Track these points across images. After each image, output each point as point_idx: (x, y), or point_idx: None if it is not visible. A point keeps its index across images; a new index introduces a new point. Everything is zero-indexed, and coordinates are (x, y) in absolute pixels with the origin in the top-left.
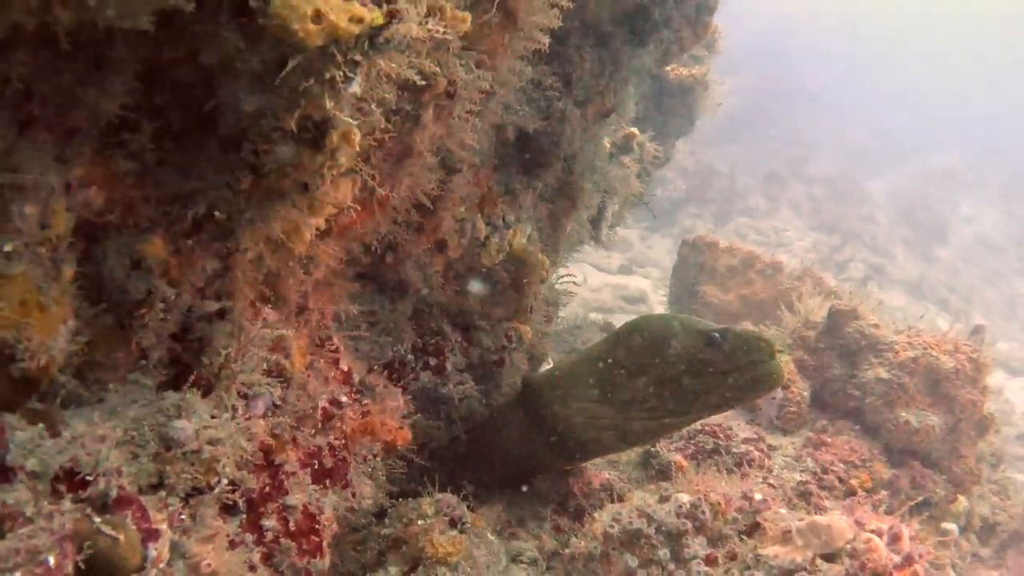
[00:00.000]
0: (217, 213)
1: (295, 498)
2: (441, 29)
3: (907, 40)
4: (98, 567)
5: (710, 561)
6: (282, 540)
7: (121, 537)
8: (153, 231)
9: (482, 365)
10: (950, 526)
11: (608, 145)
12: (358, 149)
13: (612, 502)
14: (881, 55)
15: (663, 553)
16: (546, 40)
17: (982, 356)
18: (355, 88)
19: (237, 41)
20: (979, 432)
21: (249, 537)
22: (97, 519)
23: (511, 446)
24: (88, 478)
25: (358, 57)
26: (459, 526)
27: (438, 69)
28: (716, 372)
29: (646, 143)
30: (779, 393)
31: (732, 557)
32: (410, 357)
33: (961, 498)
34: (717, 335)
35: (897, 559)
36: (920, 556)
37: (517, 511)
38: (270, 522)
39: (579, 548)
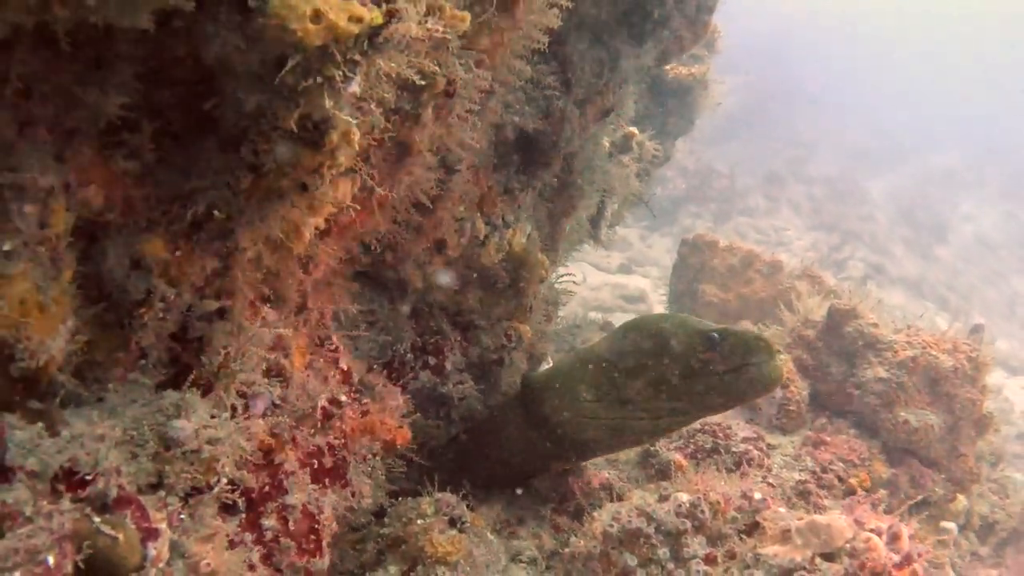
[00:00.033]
0: (216, 212)
1: (295, 497)
2: (440, 28)
3: (907, 40)
4: (97, 567)
5: (709, 560)
6: (281, 539)
7: (120, 537)
8: (153, 230)
9: (481, 364)
10: (949, 525)
11: (607, 144)
12: (357, 148)
13: (612, 501)
14: (881, 55)
15: (662, 552)
16: (545, 39)
17: (981, 355)
18: (354, 88)
19: (236, 40)
20: (978, 431)
21: (248, 536)
22: (96, 519)
23: (510, 445)
24: (87, 478)
25: (357, 56)
26: (458, 525)
27: (437, 68)
28: (715, 372)
29: (645, 142)
30: (778, 392)
31: (731, 556)
32: (409, 356)
33: (960, 497)
34: (716, 335)
35: (896, 558)
36: (919, 555)
37: (516, 510)
38: (269, 521)
39: (579, 547)
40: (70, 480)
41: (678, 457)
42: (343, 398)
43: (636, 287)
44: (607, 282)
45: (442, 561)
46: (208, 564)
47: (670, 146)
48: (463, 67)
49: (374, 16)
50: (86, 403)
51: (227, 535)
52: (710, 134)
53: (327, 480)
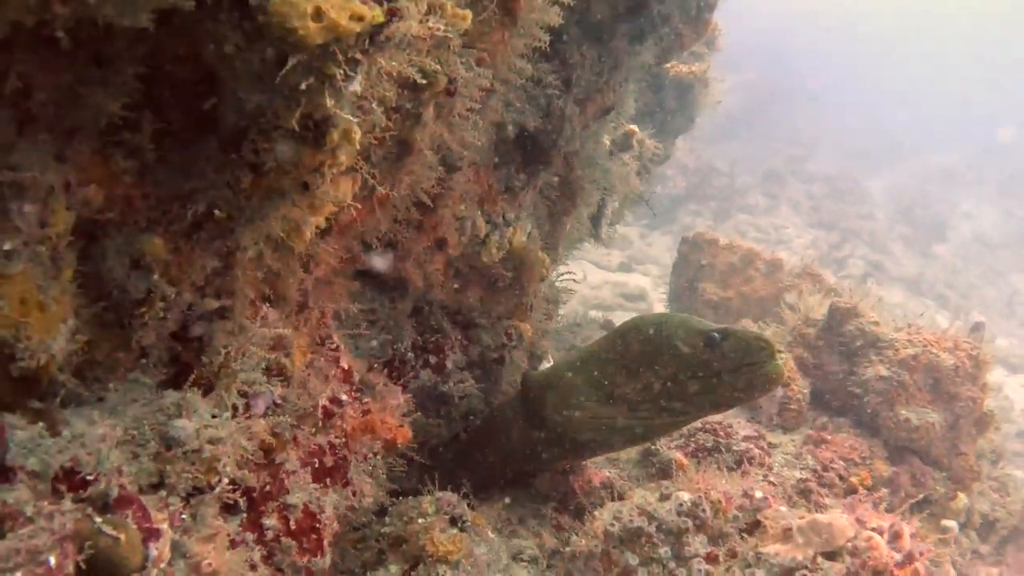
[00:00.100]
0: (217, 212)
1: (296, 497)
2: (442, 27)
3: (907, 39)
4: (99, 567)
5: (711, 559)
6: (283, 539)
7: (122, 537)
8: (153, 230)
9: (482, 363)
10: (950, 523)
11: (608, 143)
12: (358, 147)
13: (612, 500)
14: (881, 54)
15: (664, 551)
16: (547, 38)
17: (982, 353)
18: (356, 86)
19: (237, 39)
20: (979, 429)
21: (250, 536)
22: (98, 519)
23: (511, 444)
24: (89, 478)
25: (359, 55)
26: (459, 524)
27: (439, 67)
28: (716, 372)
29: (646, 140)
30: (779, 391)
31: (733, 555)
32: (410, 355)
33: (961, 495)
34: (717, 335)
35: (898, 557)
36: (921, 554)
37: (517, 509)
38: (271, 521)
39: (580, 546)
40: (71, 480)
41: (679, 456)
42: (344, 397)
43: (636, 285)
44: (607, 280)
45: (443, 560)
46: (210, 564)
47: (670, 144)
48: (464, 66)
49: (375, 14)
50: (87, 403)
51: (228, 535)
52: (710, 132)
53: (328, 479)
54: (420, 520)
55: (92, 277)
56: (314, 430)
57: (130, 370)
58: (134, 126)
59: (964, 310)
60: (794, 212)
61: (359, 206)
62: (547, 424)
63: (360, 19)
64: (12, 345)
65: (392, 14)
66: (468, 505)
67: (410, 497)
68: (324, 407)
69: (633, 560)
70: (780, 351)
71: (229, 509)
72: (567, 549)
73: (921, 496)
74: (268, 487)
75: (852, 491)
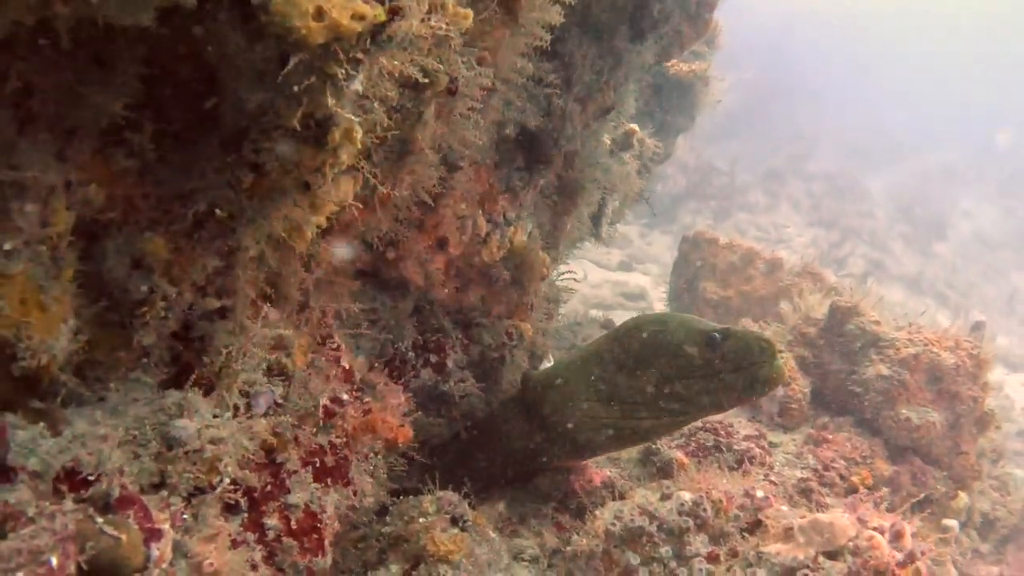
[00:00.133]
0: (218, 211)
1: (297, 497)
2: (443, 26)
3: (908, 38)
4: (100, 567)
5: (712, 559)
6: (284, 539)
7: (123, 537)
8: (154, 229)
9: (483, 362)
10: (951, 522)
11: (608, 142)
12: (360, 147)
13: (613, 499)
14: (882, 53)
15: (665, 551)
16: (548, 37)
17: (983, 352)
18: (357, 86)
19: (238, 38)
20: (980, 428)
21: (251, 536)
22: (99, 519)
23: (511, 443)
24: (90, 478)
25: (360, 54)
26: (460, 524)
27: (440, 66)
28: (716, 372)
29: (646, 139)
30: (780, 390)
31: (734, 555)
32: (411, 354)
33: (962, 494)
34: (717, 335)
35: (899, 556)
36: (922, 553)
37: (518, 508)
38: (272, 521)
39: (581, 546)
40: (72, 480)
41: (680, 455)
42: (345, 397)
43: (636, 284)
44: (607, 279)
45: (444, 560)
46: (211, 564)
47: (671, 143)
48: (465, 65)
49: (377, 13)
50: (88, 402)
51: (230, 535)
52: (710, 130)
53: (329, 479)
54: (421, 520)
55: (93, 277)
56: (315, 430)
57: (131, 370)
58: (135, 126)
59: (964, 309)
60: (794, 211)
61: (360, 206)
62: (547, 424)
63: (362, 18)
64: (13, 345)
65: (394, 13)
66: (469, 504)
67: (411, 496)
68: (325, 407)
69: (634, 559)
70: (781, 351)
71: (230, 509)
72: (568, 548)
73: (922, 495)
74: (269, 487)
75: (853, 490)
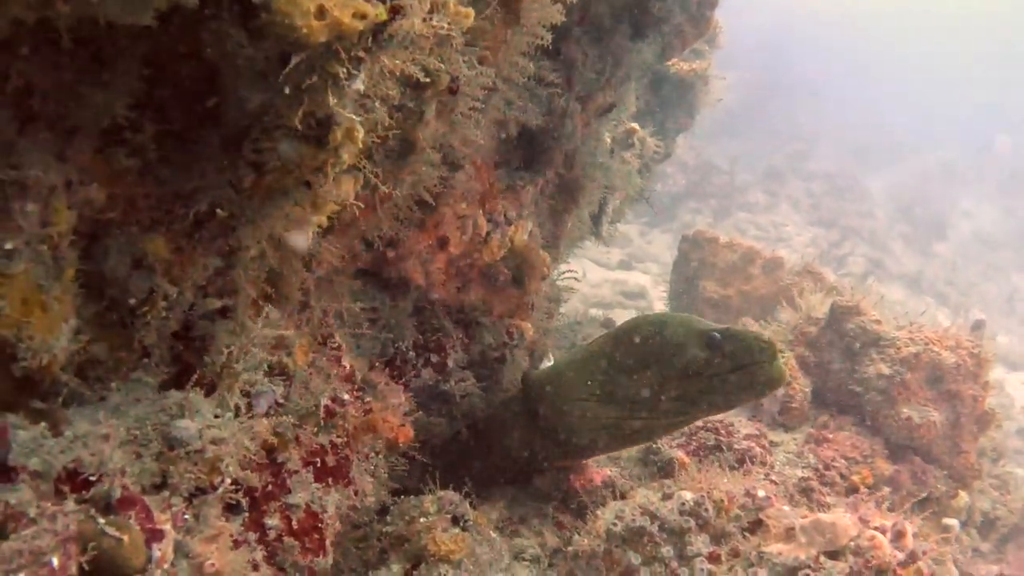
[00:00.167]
0: (219, 211)
1: (298, 496)
2: (445, 25)
3: (908, 37)
4: (102, 568)
5: (713, 559)
6: (285, 539)
7: (125, 538)
8: (155, 229)
9: (484, 362)
10: (951, 521)
11: (609, 141)
12: (361, 146)
13: (614, 499)
14: (882, 52)
15: (666, 551)
16: (549, 36)
17: (984, 351)
18: (358, 85)
19: (240, 37)
20: (980, 427)
21: (252, 536)
22: (101, 520)
23: (512, 443)
24: (91, 478)
25: (362, 53)
26: (461, 523)
27: (441, 65)
28: (717, 373)
29: (647, 138)
30: (780, 389)
31: (735, 554)
32: (411, 354)
33: (962, 493)
34: (717, 335)
35: (901, 556)
36: (924, 553)
37: (519, 508)
38: (273, 521)
39: (582, 546)
40: (74, 480)
41: (680, 454)
42: (346, 396)
43: (636, 283)
44: (607, 278)
45: (445, 560)
46: (212, 564)
47: (671, 142)
48: (467, 64)
49: (378, 12)
50: (89, 402)
51: (231, 535)
52: (710, 129)
53: (330, 479)
54: (422, 519)
55: (94, 276)
56: (316, 429)
57: (132, 370)
58: (136, 125)
59: (964, 307)
60: (794, 210)
61: (361, 205)
62: (547, 423)
63: (363, 17)
64: (14, 345)
65: (395, 12)
66: (470, 504)
67: (412, 496)
68: (326, 406)
69: (636, 559)
70: (781, 351)
71: (231, 509)
72: (569, 548)
73: (923, 495)
74: (270, 487)
75: (854, 490)
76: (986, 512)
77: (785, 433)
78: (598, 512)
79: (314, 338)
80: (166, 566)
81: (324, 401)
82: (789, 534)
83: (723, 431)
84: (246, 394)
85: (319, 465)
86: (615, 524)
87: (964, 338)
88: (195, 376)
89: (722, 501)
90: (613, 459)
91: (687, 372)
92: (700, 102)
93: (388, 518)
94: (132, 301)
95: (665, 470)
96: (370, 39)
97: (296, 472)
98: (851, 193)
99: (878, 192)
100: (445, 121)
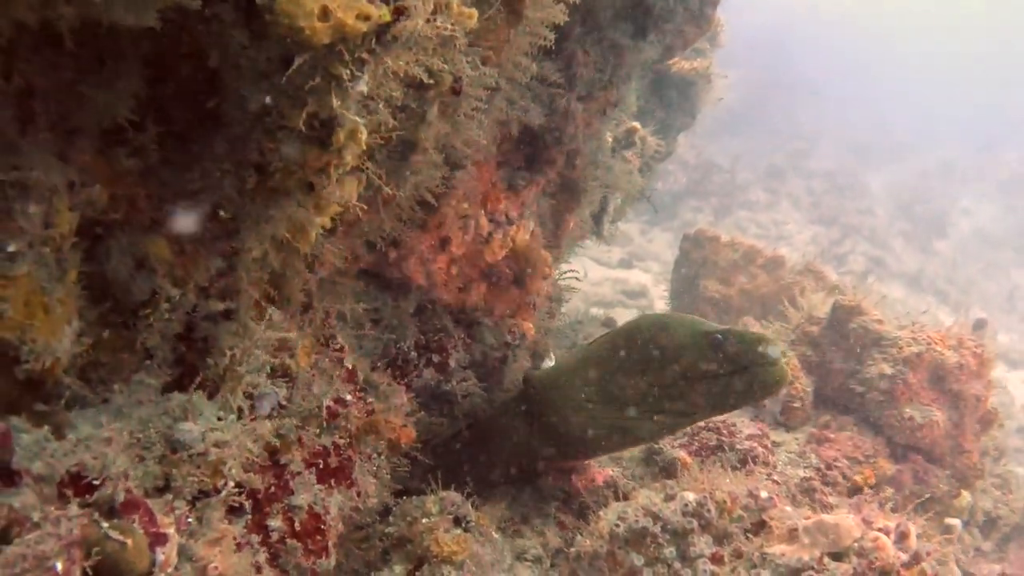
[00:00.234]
0: (222, 212)
1: (300, 498)
2: (448, 26)
3: (908, 37)
4: (106, 572)
5: (716, 560)
6: (288, 540)
7: (129, 542)
8: (157, 230)
9: (485, 362)
10: (954, 521)
11: (610, 140)
12: (364, 147)
13: (616, 499)
14: (882, 51)
15: (669, 552)
16: (552, 36)
17: (986, 351)
18: (362, 86)
19: (242, 38)
20: (983, 427)
21: (255, 538)
22: (104, 524)
23: (513, 443)
24: (95, 482)
25: (365, 55)
26: (464, 524)
27: (444, 66)
28: (719, 374)
29: (648, 137)
30: (783, 389)
31: (738, 555)
32: (413, 354)
33: (965, 493)
34: (720, 336)
35: (905, 557)
36: (928, 554)
37: (521, 508)
38: (276, 522)
39: (585, 547)
40: (77, 484)
41: (682, 455)
42: (348, 397)
43: (637, 282)
44: (608, 277)
45: (448, 560)
46: (216, 568)
47: (672, 141)
48: (470, 64)
49: (382, 14)
50: (91, 405)
51: (234, 537)
52: (711, 127)
53: (333, 480)
54: (424, 520)
55: (96, 278)
56: (319, 431)
57: (135, 372)
58: (138, 126)
59: (965, 306)
60: (794, 208)
61: (364, 207)
62: (549, 424)
63: (367, 18)
64: (17, 347)
65: (399, 13)
66: (472, 505)
67: (414, 497)
68: (329, 407)
69: (638, 560)
70: (784, 352)
71: (234, 511)
72: (572, 549)
73: (927, 496)
74: (273, 488)
75: (856, 489)
76: (988, 511)
77: (787, 433)
78: (600, 513)
79: (317, 339)
80: (170, 570)
81: (327, 402)
82: (792, 535)
83: (725, 431)
84: (249, 396)
85: (322, 466)
86: (618, 525)
87: (966, 337)
88: (198, 378)
89: (725, 502)
90: (615, 459)
91: (689, 373)
92: (701, 101)
93: (390, 519)
94: (134, 303)
95: (667, 470)
96: (374, 40)
97: (299, 474)
98: (851, 191)
99: (878, 190)
100: (448, 122)
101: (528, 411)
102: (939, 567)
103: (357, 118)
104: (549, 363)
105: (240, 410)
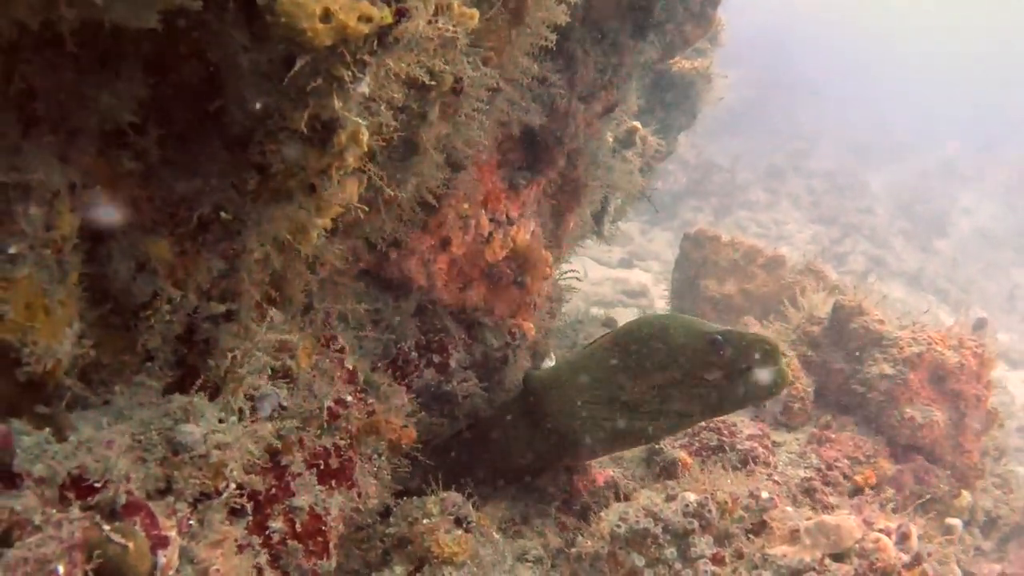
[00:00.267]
0: (223, 214)
1: (301, 499)
2: (450, 27)
3: (908, 37)
4: (107, 575)
5: (717, 560)
6: (289, 542)
7: (130, 545)
8: (158, 232)
9: (486, 362)
10: (955, 521)
11: (611, 140)
12: (366, 149)
13: (617, 500)
14: (883, 50)
15: (670, 552)
16: (553, 37)
17: (986, 351)
18: (364, 88)
19: (244, 40)
20: (984, 427)
21: (256, 540)
22: (106, 527)
23: (514, 444)
24: (96, 484)
25: (367, 56)
26: (464, 525)
27: (445, 67)
28: (719, 375)
29: (648, 137)
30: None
31: (739, 556)
32: (414, 355)
33: (965, 493)
34: (720, 338)
35: (906, 558)
36: (929, 555)
37: (521, 509)
38: (277, 524)
39: (586, 547)
40: (79, 486)
41: (683, 455)
42: (349, 398)
43: (637, 282)
44: (608, 276)
45: (448, 561)
46: (218, 570)
47: (672, 140)
48: (471, 65)
49: (383, 15)
50: (92, 407)
51: (235, 539)
52: (712, 127)
53: (333, 481)
54: (425, 521)
55: (97, 280)
56: (319, 432)
57: (136, 373)
58: (139, 128)
59: (965, 305)
60: (794, 207)
61: (366, 208)
62: (549, 424)
63: (368, 20)
64: (18, 349)
65: (400, 15)
66: (472, 505)
67: (415, 498)
68: (329, 409)
69: (639, 561)
70: (784, 354)
71: (235, 513)
72: (573, 550)
73: (928, 496)
74: (274, 490)
75: (856, 490)
76: (988, 511)
77: (788, 433)
78: (601, 514)
79: (317, 340)
80: (171, 572)
81: (327, 403)
82: (793, 536)
83: (726, 431)
84: (250, 398)
85: (322, 467)
86: (619, 526)
87: (967, 337)
88: (199, 380)
89: (726, 502)
90: (616, 459)
91: (690, 375)
92: (702, 100)
93: (391, 520)
94: (136, 304)
95: (668, 471)
96: (375, 42)
97: (299, 475)
98: (851, 190)
99: (878, 189)
100: (449, 122)
101: (529, 411)
102: (940, 568)
103: (359, 119)
104: (550, 363)
105: (241, 412)
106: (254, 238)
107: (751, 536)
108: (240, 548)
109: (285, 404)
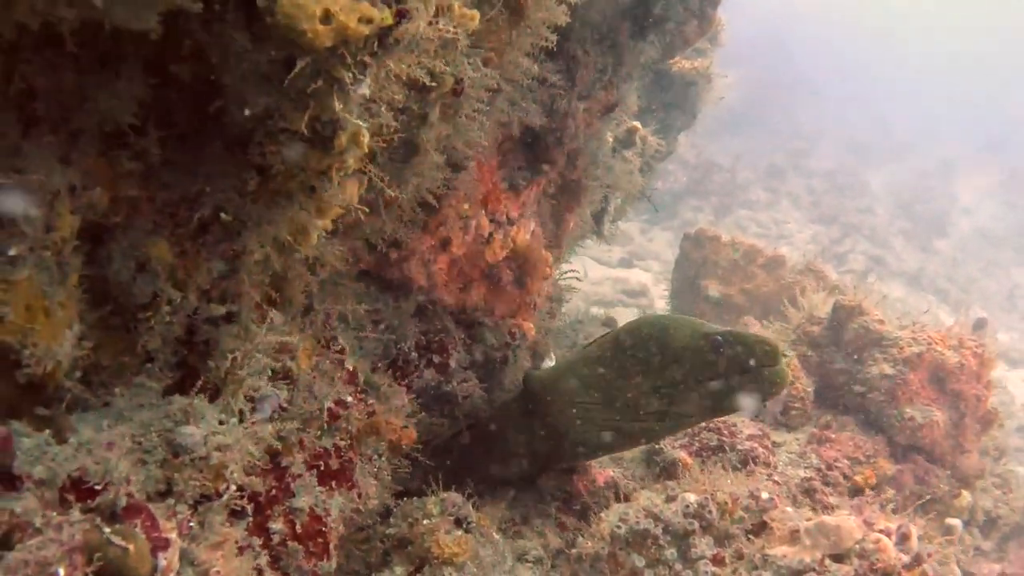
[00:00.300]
0: (223, 215)
1: (302, 500)
2: (451, 28)
3: (908, 37)
4: None
5: (717, 561)
6: (289, 543)
7: (131, 547)
8: (159, 233)
9: (486, 362)
10: (955, 521)
11: (611, 140)
12: (366, 150)
13: (617, 500)
14: (883, 50)
15: (670, 553)
16: (553, 37)
17: (986, 351)
18: (364, 89)
19: (244, 41)
20: (983, 427)
21: (256, 541)
22: (106, 529)
23: (514, 444)
24: (97, 487)
25: (367, 58)
26: (464, 525)
27: (446, 68)
28: (719, 376)
29: (648, 137)
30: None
31: (739, 557)
32: (414, 355)
33: (965, 493)
34: (720, 338)
35: (906, 559)
36: (929, 555)
37: (521, 509)
38: (277, 525)
39: (586, 548)
40: (79, 489)
41: (683, 455)
42: (349, 399)
43: (637, 281)
44: (608, 276)
45: (448, 562)
46: (218, 572)
47: (673, 140)
48: (471, 66)
49: (384, 16)
50: (92, 408)
51: (236, 541)
52: (711, 127)
53: (334, 482)
54: (425, 521)
55: (97, 281)
56: (320, 433)
57: (136, 375)
58: (139, 128)
59: (965, 304)
60: (794, 207)
61: (366, 209)
62: (549, 424)
63: (369, 21)
64: (18, 351)
65: (400, 16)
66: (472, 506)
67: (415, 498)
68: (330, 410)
69: (640, 562)
70: (784, 354)
71: (235, 514)
72: (573, 551)
73: (928, 497)
74: (274, 491)
75: (856, 490)
76: (988, 511)
77: (787, 433)
78: (601, 514)
79: (317, 341)
80: (172, 574)
81: (328, 404)
82: (793, 536)
83: (726, 431)
84: (250, 399)
85: (323, 468)
86: (619, 526)
87: (967, 337)
88: (199, 381)
89: (726, 503)
90: (616, 460)
91: (689, 375)
92: (702, 100)
93: (391, 520)
94: (136, 306)
95: (668, 471)
96: (376, 43)
97: (300, 476)
98: (851, 190)
99: (878, 189)
100: (449, 123)
101: (529, 412)
102: (940, 568)
103: (359, 121)
104: (550, 363)
105: (241, 413)
106: (254, 239)
107: (751, 537)
108: (240, 550)
109: (285, 405)
